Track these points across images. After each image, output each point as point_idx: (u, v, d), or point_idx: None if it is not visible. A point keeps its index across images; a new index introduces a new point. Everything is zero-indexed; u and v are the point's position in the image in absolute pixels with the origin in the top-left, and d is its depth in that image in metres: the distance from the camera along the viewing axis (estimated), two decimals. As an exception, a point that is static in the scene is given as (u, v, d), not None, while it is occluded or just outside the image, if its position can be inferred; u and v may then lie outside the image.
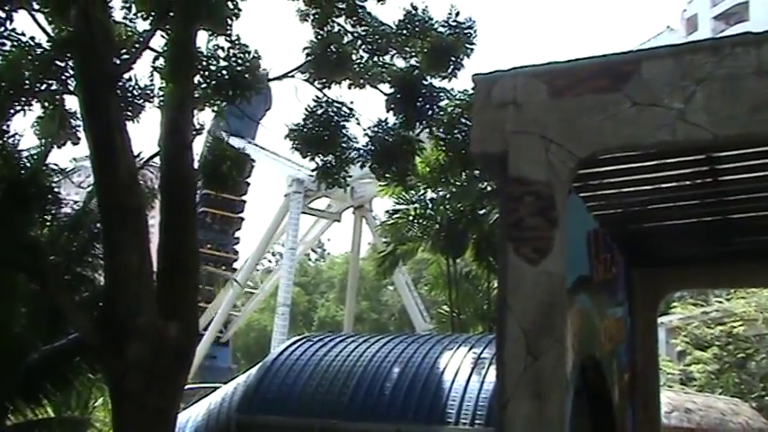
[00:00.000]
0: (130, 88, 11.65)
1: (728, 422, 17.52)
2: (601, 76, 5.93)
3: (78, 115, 11.45)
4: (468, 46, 13.30)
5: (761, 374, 21.38)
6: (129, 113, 11.45)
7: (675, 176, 7.49)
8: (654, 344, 11.18)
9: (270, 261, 69.33)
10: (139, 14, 11.00)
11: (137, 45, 11.21)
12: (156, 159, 11.53)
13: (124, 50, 11.31)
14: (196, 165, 11.68)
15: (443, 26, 13.31)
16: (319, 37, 13.28)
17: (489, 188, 19.57)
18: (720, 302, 23.58)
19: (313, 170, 14.00)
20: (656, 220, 9.06)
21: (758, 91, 5.30)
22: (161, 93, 11.45)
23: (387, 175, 14.02)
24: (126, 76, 11.42)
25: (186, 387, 11.65)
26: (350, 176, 14.54)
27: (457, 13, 13.42)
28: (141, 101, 11.78)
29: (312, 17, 13.20)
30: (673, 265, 10.85)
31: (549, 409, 5.66)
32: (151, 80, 11.75)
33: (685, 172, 7.29)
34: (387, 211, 25.60)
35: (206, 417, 14.49)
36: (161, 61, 11.05)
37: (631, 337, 10.24)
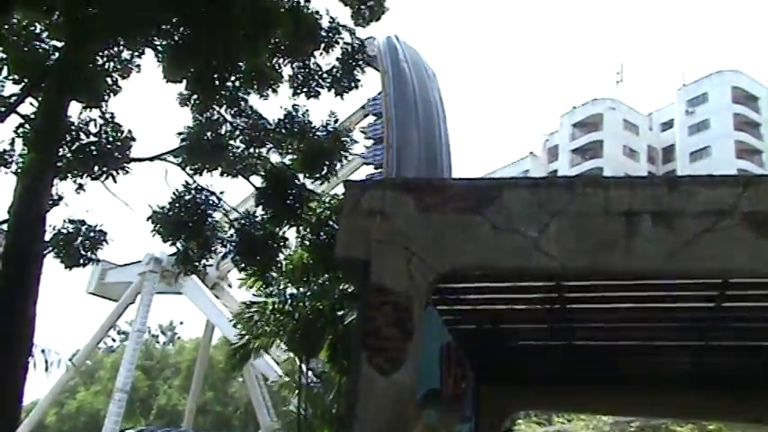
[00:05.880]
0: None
1: None
2: (466, 198, 6.18)
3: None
4: (342, 153, 13.60)
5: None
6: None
7: (528, 299, 7.82)
8: (495, 461, 11.33)
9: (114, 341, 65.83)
10: (10, 77, 10.62)
11: (2, 108, 10.75)
12: (4, 226, 10.90)
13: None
14: (48, 237, 11.11)
15: (321, 130, 13.58)
16: (198, 123, 13.22)
17: (350, 290, 19.58)
18: (563, 423, 24.27)
19: (172, 254, 13.62)
20: (507, 339, 9.35)
21: (604, 229, 5.70)
22: (20, 159, 10.96)
23: (248, 269, 13.84)
24: (-18, 136, 10.92)
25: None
26: (210, 265, 14.24)
27: (336, 120, 13.78)
28: (-3, 164, 11.24)
29: (193, 102, 13.09)
30: (520, 384, 11.17)
31: None
32: (11, 145, 11.28)
33: (537, 296, 7.62)
34: (243, 303, 25.04)
35: None
36: (26, 127, 10.64)
37: (475, 453, 10.34)
